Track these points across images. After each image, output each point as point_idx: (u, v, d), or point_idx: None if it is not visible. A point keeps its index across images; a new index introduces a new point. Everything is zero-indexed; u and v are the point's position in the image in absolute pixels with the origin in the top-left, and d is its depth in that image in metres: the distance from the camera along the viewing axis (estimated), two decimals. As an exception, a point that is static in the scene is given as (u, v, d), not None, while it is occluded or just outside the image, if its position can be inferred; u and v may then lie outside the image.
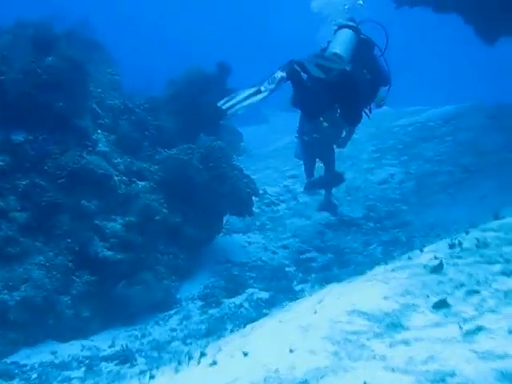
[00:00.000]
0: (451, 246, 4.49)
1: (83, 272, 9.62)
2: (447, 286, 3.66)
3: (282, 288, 10.76)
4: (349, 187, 15.97)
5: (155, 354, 8.24)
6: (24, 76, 10.37)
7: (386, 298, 3.66)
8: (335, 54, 8.68)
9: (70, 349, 8.69)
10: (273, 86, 7.90)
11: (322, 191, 14.91)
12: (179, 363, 3.85)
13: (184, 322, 9.70)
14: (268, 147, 23.82)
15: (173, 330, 9.41)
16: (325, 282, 10.27)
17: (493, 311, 3.20)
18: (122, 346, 8.58)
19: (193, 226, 11.59)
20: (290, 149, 17.40)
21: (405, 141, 19.49)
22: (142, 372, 6.71)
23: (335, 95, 8.78)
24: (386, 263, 4.63)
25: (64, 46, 11.22)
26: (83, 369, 7.97)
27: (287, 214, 15.04)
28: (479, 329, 3.04)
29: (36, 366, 8.03)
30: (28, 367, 7.98)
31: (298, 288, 10.77)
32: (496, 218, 5.22)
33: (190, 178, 11.58)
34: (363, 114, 9.48)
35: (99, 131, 11.68)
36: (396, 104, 20.58)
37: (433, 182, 15.41)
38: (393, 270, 4.28)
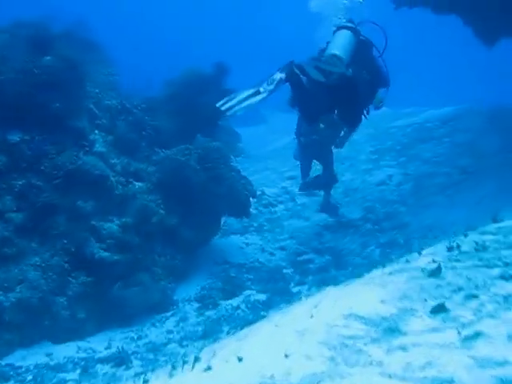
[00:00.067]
0: (449, 249, 4.44)
1: (79, 273, 9.58)
2: (445, 290, 3.61)
3: (279, 290, 10.73)
4: (347, 188, 15.94)
5: (151, 356, 8.22)
6: (21, 76, 10.33)
7: (383, 301, 3.62)
8: (334, 56, 8.67)
9: (66, 350, 8.65)
10: (272, 87, 7.90)
11: (320, 192, 14.88)
12: (173, 368, 3.79)
13: (180, 324, 9.66)
14: (266, 148, 23.78)
15: (169, 331, 9.37)
16: (322, 284, 10.27)
17: (492, 316, 3.15)
18: (117, 347, 8.53)
19: (190, 227, 11.55)
20: (289, 150, 17.35)
21: (403, 142, 19.45)
22: (138, 374, 6.68)
23: (335, 98, 8.77)
24: (384, 266, 4.59)
25: (61, 46, 11.17)
26: (78, 371, 7.93)
27: (285, 215, 14.99)
28: (478, 334, 2.99)
29: (31, 367, 7.99)
30: (23, 369, 7.94)
31: (295, 290, 10.75)
32: (494, 220, 5.18)
33: (188, 179, 11.53)
34: (362, 117, 9.49)
35: (96, 131, 11.63)
36: (394, 105, 20.54)
37: (431, 183, 15.36)
38: (390, 274, 4.23)
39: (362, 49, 9.27)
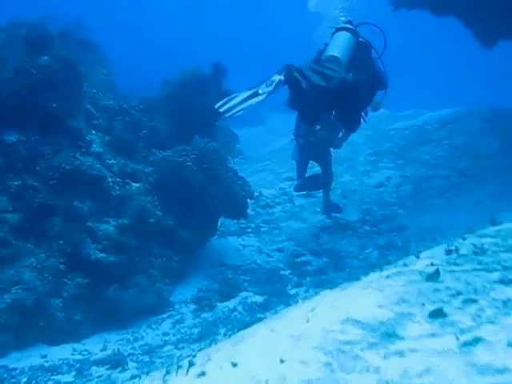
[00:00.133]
0: (448, 252, 4.39)
1: (75, 274, 9.53)
2: (443, 295, 3.56)
3: (276, 292, 10.66)
4: (345, 190, 15.93)
5: (147, 359, 8.15)
6: (17, 76, 10.33)
7: (380, 306, 3.56)
8: (332, 57, 8.64)
9: (61, 352, 8.59)
10: (271, 89, 7.91)
11: (318, 194, 14.85)
12: (168, 372, 3.74)
13: (177, 326, 9.60)
14: (264, 149, 23.74)
15: (165, 334, 9.31)
16: (320, 286, 10.29)
17: (491, 322, 3.10)
18: (113, 350, 8.48)
19: (187, 228, 11.51)
20: (287, 150, 17.34)
21: (401, 144, 19.44)
22: (133, 377, 6.64)
23: (334, 101, 8.78)
24: (381, 269, 4.54)
25: (58, 46, 11.18)
26: (73, 373, 7.85)
27: (283, 216, 14.95)
28: (477, 340, 2.93)
29: (26, 369, 7.92)
30: (17, 371, 7.87)
31: (292, 292, 10.69)
32: (493, 223, 5.13)
33: (185, 180, 11.49)
34: (361, 120, 9.50)
35: (93, 132, 11.61)
36: (393, 107, 20.55)
37: (429, 185, 15.34)
38: (388, 277, 4.17)
39: (360, 50, 9.26)
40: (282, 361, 3.13)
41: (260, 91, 7.94)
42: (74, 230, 9.82)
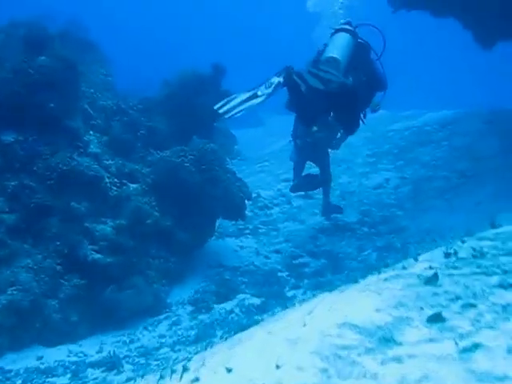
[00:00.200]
0: (446, 255, 4.34)
1: (72, 275, 9.51)
2: (442, 299, 3.50)
3: (273, 294, 10.63)
4: (343, 191, 15.89)
5: (143, 361, 8.12)
6: (15, 75, 10.31)
7: (378, 310, 3.51)
8: (331, 58, 8.61)
9: (57, 354, 8.56)
10: (270, 91, 7.89)
11: (316, 195, 14.83)
12: (161, 377, 3.69)
13: (173, 328, 9.58)
14: (263, 150, 23.69)
15: (162, 336, 9.28)
16: (317, 288, 10.24)
17: (490, 327, 3.04)
18: (109, 352, 8.44)
19: (185, 229, 11.48)
20: (285, 152, 17.29)
21: (401, 145, 19.39)
22: (129, 379, 6.58)
23: (334, 105, 8.77)
24: (380, 272, 4.49)
25: (56, 46, 11.16)
26: (69, 375, 7.84)
27: (281, 217, 14.91)
28: (476, 346, 2.88)
29: (21, 371, 7.89)
30: (13, 373, 7.84)
31: (290, 294, 10.65)
32: (493, 226, 5.09)
33: (183, 181, 11.46)
34: (360, 122, 9.48)
35: (91, 132, 11.58)
36: (392, 108, 20.51)
37: (429, 187, 15.29)
38: (386, 280, 4.12)
39: (359, 52, 9.22)
40: (277, 366, 3.08)
41: (259, 93, 7.94)
42: (70, 230, 9.79)
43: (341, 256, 12.44)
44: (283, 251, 12.95)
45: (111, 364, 8.01)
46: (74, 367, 8.05)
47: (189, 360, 3.74)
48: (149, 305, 10.01)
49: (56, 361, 8.27)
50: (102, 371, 7.92)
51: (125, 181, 11.23)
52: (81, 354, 8.59)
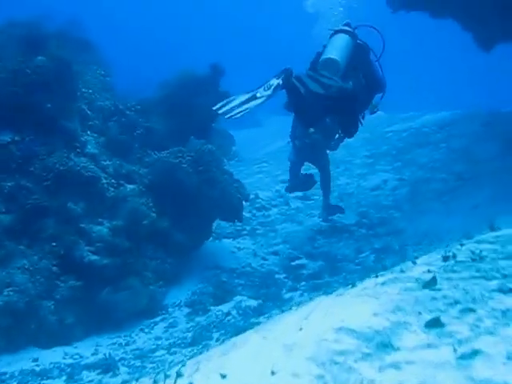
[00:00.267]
0: (445, 259, 4.30)
1: (68, 277, 9.46)
2: (441, 303, 3.45)
3: (270, 296, 10.58)
4: (341, 193, 15.85)
5: (138, 364, 8.08)
6: (12, 75, 10.26)
7: (375, 314, 3.46)
8: (330, 59, 8.59)
9: (52, 356, 8.52)
10: (270, 93, 7.91)
11: (315, 196, 14.81)
12: (155, 382, 3.64)
13: (170, 330, 9.54)
14: (261, 151, 23.68)
15: (158, 338, 9.23)
16: (315, 290, 10.22)
17: (490, 333, 2.99)
18: (104, 354, 8.39)
19: (182, 230, 11.44)
20: (283, 153, 17.25)
21: (399, 146, 19.39)
22: (124, 382, 6.56)
23: (333, 108, 8.80)
24: (377, 276, 4.44)
25: (54, 46, 11.09)
26: (64, 377, 7.78)
27: (279, 219, 14.87)
28: (475, 353, 2.83)
29: (16, 373, 7.84)
30: (8, 375, 7.78)
31: (287, 296, 10.60)
32: (492, 228, 5.05)
33: (180, 182, 11.42)
34: (359, 124, 9.49)
35: (88, 132, 11.53)
36: (390, 109, 20.48)
37: (426, 188, 15.26)
38: (384, 284, 4.08)
39: (359, 53, 9.19)
40: (273, 372, 3.03)
41: (258, 95, 7.95)
42: (67, 231, 9.75)
43: (338, 258, 12.40)
44: (281, 253, 12.90)
45: (107, 366, 7.96)
46: (69, 369, 8.00)
47: (183, 365, 3.69)
48: (145, 306, 9.97)
49: (51, 363, 8.22)
50: (98, 373, 7.88)
51: (122, 181, 11.18)
52: (76, 356, 8.54)
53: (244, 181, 13.93)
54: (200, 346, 8.20)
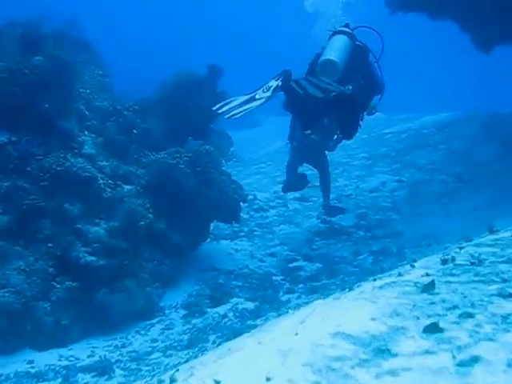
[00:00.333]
0: (444, 262, 4.25)
1: (64, 278, 9.40)
2: (439, 308, 3.40)
3: (267, 298, 10.55)
4: (339, 195, 15.79)
5: (134, 366, 8.02)
6: (10, 75, 10.20)
7: (373, 319, 3.40)
8: (329, 61, 8.56)
9: (48, 358, 8.46)
10: (269, 94, 7.90)
11: (313, 198, 14.79)
12: (149, 388, 3.60)
13: (166, 332, 9.48)
14: (259, 152, 23.66)
15: (154, 340, 9.18)
16: (312, 292, 10.20)
17: (489, 339, 2.93)
18: (100, 356, 8.34)
19: (179, 231, 11.39)
20: (282, 154, 17.22)
21: (397, 148, 19.35)
22: (120, 385, 6.51)
23: (331, 111, 8.83)
24: (375, 279, 4.39)
25: (52, 46, 11.05)
26: (59, 380, 7.74)
27: (276, 220, 14.81)
28: (475, 359, 2.77)
29: (11, 375, 7.79)
30: (3, 377, 7.74)
31: (284, 298, 10.57)
32: (491, 231, 5.01)
33: (177, 183, 11.38)
34: (358, 127, 9.50)
35: (86, 133, 11.49)
36: (389, 110, 20.46)
37: (425, 190, 15.24)
38: (381, 288, 4.03)
39: (357, 54, 9.16)
40: (268, 379, 2.97)
41: (257, 96, 7.95)
42: (63, 232, 9.71)
43: (336, 260, 12.35)
44: (278, 254, 12.85)
45: (102, 369, 7.91)
46: (64, 372, 7.95)
47: (177, 370, 3.64)
48: (141, 308, 9.92)
49: (47, 365, 8.16)
50: (93, 376, 7.83)
51: (119, 182, 11.15)
52: (72, 358, 8.48)
53: (242, 182, 13.90)
54: (196, 349, 8.17)
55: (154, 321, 9.94)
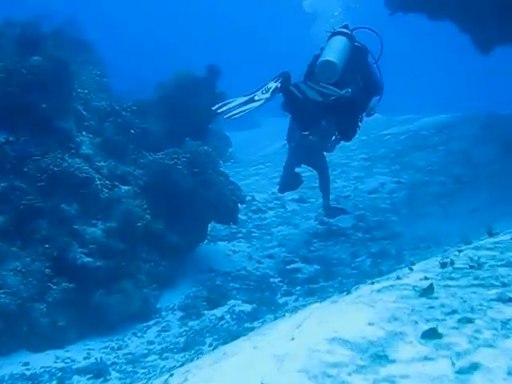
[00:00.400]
0: (442, 265, 4.20)
1: (61, 279, 9.35)
2: (438, 312, 3.34)
3: (265, 300, 10.53)
4: (338, 196, 15.75)
5: (130, 369, 7.98)
6: (7, 75, 10.16)
7: (370, 323, 3.35)
8: (328, 62, 8.54)
9: (44, 360, 8.41)
10: (268, 96, 7.92)
11: (311, 199, 14.78)
12: (143, 393, 3.55)
13: (162, 335, 9.44)
14: (258, 153, 23.63)
15: (150, 342, 9.14)
16: (310, 295, 10.15)
17: (489, 345, 2.87)
18: (96, 358, 8.30)
19: (176, 232, 11.35)
20: (281, 155, 17.21)
21: (396, 149, 19.33)
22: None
23: (330, 113, 8.85)
24: (373, 282, 4.34)
25: (50, 46, 11.03)
26: (54, 382, 7.69)
27: (275, 221, 14.77)
28: (474, 367, 2.71)
29: (6, 378, 7.75)
30: (-2, 379, 7.71)
31: (281, 301, 10.55)
32: (490, 234, 4.97)
33: (175, 184, 11.34)
34: (357, 129, 9.51)
35: (84, 133, 11.45)
36: (388, 112, 20.44)
37: (424, 192, 15.21)
38: (379, 291, 3.97)
39: (356, 55, 9.13)
40: (262, 385, 2.93)
41: (256, 97, 7.97)
42: (60, 233, 9.67)
43: (334, 262, 12.31)
44: (276, 256, 12.81)
45: (98, 371, 7.87)
46: (60, 374, 7.90)
47: (171, 375, 3.59)
48: (138, 310, 9.88)
49: (42, 367, 8.12)
50: (89, 378, 7.79)
51: (116, 183, 11.11)
52: (68, 360, 8.44)
53: (240, 183, 13.88)
54: (192, 352, 8.13)
55: (151, 323, 9.90)
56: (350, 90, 8.63)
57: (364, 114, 9.65)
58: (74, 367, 8.13)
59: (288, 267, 12.25)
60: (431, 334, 3.08)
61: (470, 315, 3.23)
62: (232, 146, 24.40)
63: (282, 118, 11.86)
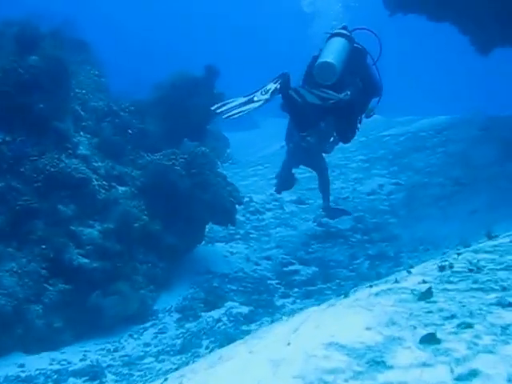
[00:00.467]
0: (441, 269, 4.15)
1: (57, 280, 9.32)
2: (436, 317, 3.29)
3: (262, 302, 10.48)
4: (336, 197, 15.70)
5: (126, 371, 7.95)
6: (3, 75, 10.12)
7: (368, 328, 3.30)
8: (326, 63, 8.53)
9: (39, 362, 8.38)
10: (267, 97, 7.91)
11: (310, 200, 14.74)
12: (138, 397, 3.51)
13: (159, 337, 9.40)
14: (256, 154, 23.62)
15: (147, 344, 9.10)
16: (307, 297, 10.11)
17: (489, 351, 2.81)
18: (92, 360, 8.26)
19: (174, 233, 11.31)
20: (279, 156, 17.12)
21: (395, 151, 19.29)
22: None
23: (329, 116, 8.86)
24: (371, 286, 4.30)
25: (48, 46, 10.99)
26: (49, 384, 7.66)
27: (273, 223, 14.72)
28: (473, 373, 2.65)
29: (1, 380, 7.73)
30: (-8, 382, 7.67)
31: (279, 303, 10.49)
32: (489, 237, 4.92)
33: (172, 184, 11.30)
34: (356, 130, 9.51)
35: (81, 133, 11.40)
36: (387, 113, 20.42)
37: (423, 194, 15.16)
38: (377, 295, 3.92)
39: (356, 56, 9.10)
40: (257, 391, 2.88)
41: (255, 98, 7.94)
42: (57, 234, 9.64)
43: (332, 264, 12.26)
44: (274, 258, 12.75)
45: (94, 374, 7.85)
46: (55, 376, 7.88)
47: (166, 379, 3.54)
48: (135, 311, 9.84)
49: (37, 369, 8.09)
50: (84, 381, 7.77)
51: (114, 183, 11.07)
52: (64, 362, 8.41)
53: (238, 184, 13.84)
54: (189, 354, 8.10)
55: (148, 324, 9.86)
56: (349, 93, 8.62)
57: (363, 116, 9.62)
58: (69, 369, 8.11)
59: (286, 269, 12.19)
60: (430, 340, 3.03)
61: (469, 320, 3.18)
62: (230, 146, 24.38)
63: (282, 118, 11.83)
